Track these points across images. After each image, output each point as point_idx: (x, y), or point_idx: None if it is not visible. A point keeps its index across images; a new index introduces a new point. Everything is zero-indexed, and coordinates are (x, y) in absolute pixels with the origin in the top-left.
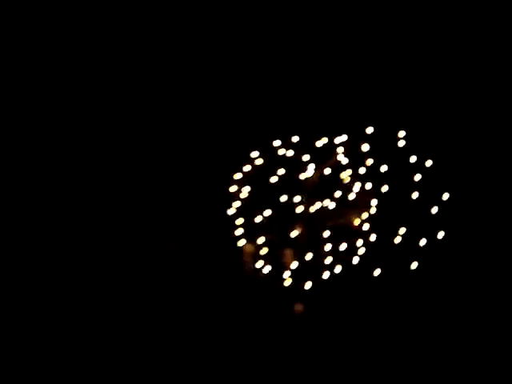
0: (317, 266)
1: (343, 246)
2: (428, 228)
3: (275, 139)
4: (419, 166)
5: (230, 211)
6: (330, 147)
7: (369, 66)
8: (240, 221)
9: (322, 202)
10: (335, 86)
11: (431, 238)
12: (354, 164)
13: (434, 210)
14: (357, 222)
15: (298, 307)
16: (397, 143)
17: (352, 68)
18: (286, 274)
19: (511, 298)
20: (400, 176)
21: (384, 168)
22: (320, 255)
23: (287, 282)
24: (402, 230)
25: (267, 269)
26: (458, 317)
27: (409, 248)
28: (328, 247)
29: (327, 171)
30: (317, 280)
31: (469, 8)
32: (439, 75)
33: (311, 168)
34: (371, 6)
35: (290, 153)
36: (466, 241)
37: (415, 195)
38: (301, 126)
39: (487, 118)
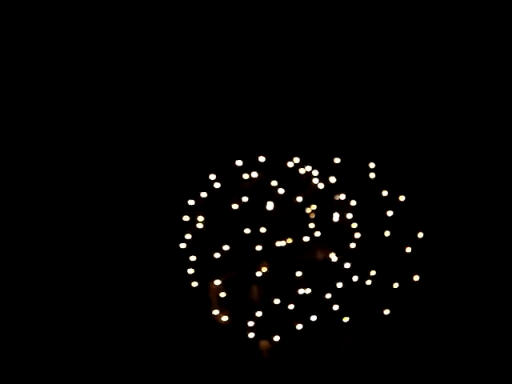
0: (287, 313)
1: (319, 289)
2: (401, 270)
3: (237, 159)
4: (391, 202)
5: (182, 245)
6: (303, 170)
7: (341, 92)
8: (193, 257)
9: (292, 236)
10: (306, 108)
11: (405, 281)
12: (321, 197)
13: (408, 250)
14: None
15: (264, 344)
16: (367, 175)
17: (323, 93)
18: (251, 323)
19: (488, 343)
20: (370, 212)
21: (353, 203)
22: (291, 300)
23: (251, 334)
24: (373, 272)
25: (225, 317)
26: (433, 367)
27: (380, 292)
28: (301, 290)
29: (299, 199)
30: (287, 331)
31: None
32: (413, 105)
33: (280, 195)
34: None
35: (255, 175)
36: (443, 284)
37: (387, 233)
38: (268, 145)
39: (464, 149)
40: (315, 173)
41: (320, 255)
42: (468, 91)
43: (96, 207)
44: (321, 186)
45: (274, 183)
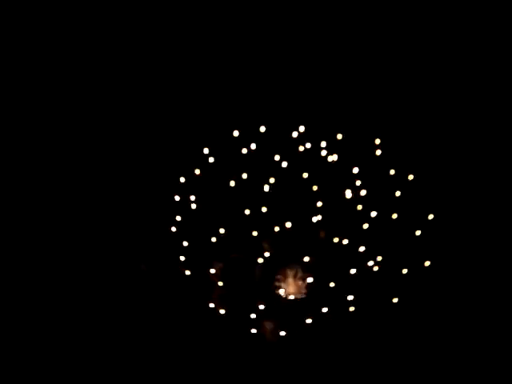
0: (294, 305)
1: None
2: (411, 255)
3: (234, 129)
4: (399, 181)
5: (173, 228)
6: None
7: (345, 69)
8: (185, 242)
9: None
10: (310, 79)
11: (415, 267)
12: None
13: (418, 233)
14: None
15: (268, 325)
16: (373, 153)
17: (328, 66)
18: (253, 316)
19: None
20: (377, 193)
21: (357, 183)
22: (299, 291)
23: (254, 330)
24: (379, 258)
25: (223, 310)
26: (443, 361)
27: (388, 279)
28: (310, 278)
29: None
30: (296, 326)
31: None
32: (423, 79)
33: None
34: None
35: (253, 147)
36: (456, 271)
37: (395, 216)
38: (270, 114)
39: (475, 124)
40: (323, 144)
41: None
42: (478, 69)
43: (82, 186)
44: (331, 158)
45: (277, 157)
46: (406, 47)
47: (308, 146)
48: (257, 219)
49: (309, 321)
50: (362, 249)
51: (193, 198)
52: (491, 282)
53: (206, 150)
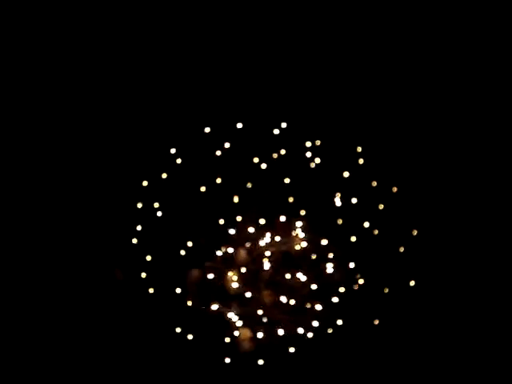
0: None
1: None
2: (394, 274)
3: (205, 126)
4: (382, 194)
5: (134, 240)
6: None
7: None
8: (148, 257)
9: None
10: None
11: (398, 286)
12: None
13: (401, 249)
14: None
15: (244, 333)
16: (354, 162)
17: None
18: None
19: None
20: (357, 206)
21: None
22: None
23: (227, 359)
24: (360, 276)
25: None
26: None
27: (369, 299)
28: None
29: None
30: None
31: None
32: (408, 87)
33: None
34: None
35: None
36: (443, 291)
37: (376, 231)
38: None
39: (463, 136)
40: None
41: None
42: (462, 79)
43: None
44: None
45: (256, 160)
46: (392, 54)
47: (283, 152)
48: (231, 230)
49: (292, 350)
50: (341, 267)
51: (157, 205)
52: (481, 305)
53: (172, 150)
